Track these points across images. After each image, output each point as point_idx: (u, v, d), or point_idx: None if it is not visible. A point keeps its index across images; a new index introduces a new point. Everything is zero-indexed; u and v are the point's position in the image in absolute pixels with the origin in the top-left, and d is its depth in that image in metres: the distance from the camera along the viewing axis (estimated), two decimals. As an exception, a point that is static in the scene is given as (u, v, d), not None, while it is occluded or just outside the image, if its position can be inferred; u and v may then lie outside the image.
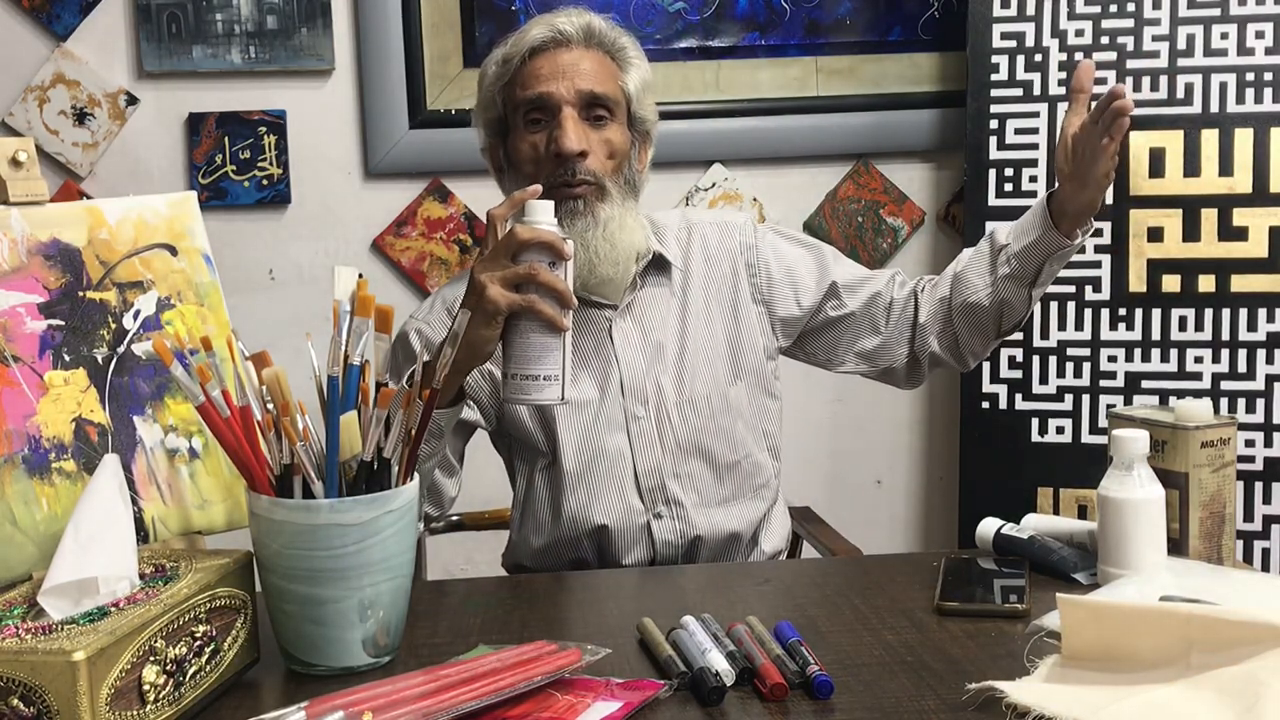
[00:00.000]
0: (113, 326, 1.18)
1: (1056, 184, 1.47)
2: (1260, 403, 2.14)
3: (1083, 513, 2.18)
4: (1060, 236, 1.46)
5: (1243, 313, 2.14)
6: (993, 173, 2.23)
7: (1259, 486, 2.15)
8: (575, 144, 1.46)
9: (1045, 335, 2.21)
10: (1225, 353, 2.15)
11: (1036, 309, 2.19)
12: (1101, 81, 2.17)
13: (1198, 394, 2.11)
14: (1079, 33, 2.19)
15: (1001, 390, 2.24)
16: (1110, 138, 1.37)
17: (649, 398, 1.54)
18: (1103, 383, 2.20)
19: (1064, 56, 2.20)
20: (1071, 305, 2.20)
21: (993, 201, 2.23)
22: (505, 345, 1.27)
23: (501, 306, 1.25)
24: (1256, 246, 2.13)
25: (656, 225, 1.61)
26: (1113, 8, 2.17)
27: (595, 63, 1.50)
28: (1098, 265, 2.18)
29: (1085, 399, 2.21)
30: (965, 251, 1.61)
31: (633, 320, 1.56)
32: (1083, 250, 2.15)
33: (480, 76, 1.56)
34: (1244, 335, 2.14)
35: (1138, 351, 2.18)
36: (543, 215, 1.27)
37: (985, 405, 2.24)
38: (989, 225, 2.22)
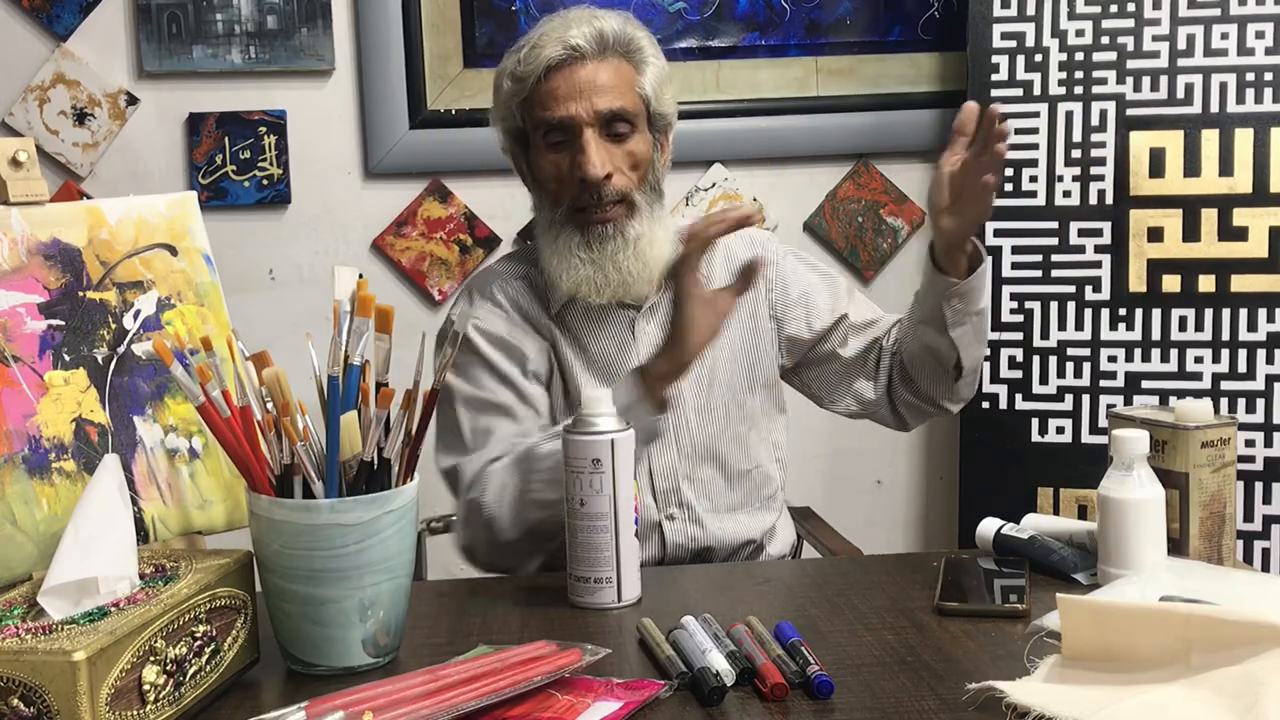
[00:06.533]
0: (113, 326, 1.18)
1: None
2: (1260, 403, 2.14)
3: (1083, 513, 2.18)
4: (943, 276, 1.45)
5: (1243, 313, 2.14)
6: (993, 173, 2.23)
7: (1259, 486, 2.15)
8: (599, 170, 1.45)
9: (1045, 335, 2.21)
10: (1225, 353, 2.15)
11: (1036, 308, 2.20)
12: (1102, 82, 2.17)
13: (1198, 394, 2.11)
14: (1079, 33, 2.19)
15: (1001, 390, 2.24)
16: (991, 174, 1.35)
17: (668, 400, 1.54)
18: (1103, 383, 2.20)
19: (1064, 56, 2.20)
20: (1071, 305, 2.20)
21: (993, 202, 2.22)
22: (566, 545, 1.26)
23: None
24: (1256, 246, 2.13)
25: (682, 231, 1.61)
26: (1113, 8, 2.17)
27: (611, 73, 1.47)
28: (1098, 265, 2.18)
29: (1085, 399, 2.20)
30: None
31: (656, 322, 1.56)
32: (1082, 250, 2.17)
33: (495, 86, 1.54)
34: (1244, 335, 2.14)
35: (1138, 351, 2.18)
36: (598, 408, 1.24)
37: (985, 405, 2.24)
38: (988, 226, 2.24)
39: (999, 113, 1.33)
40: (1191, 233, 2.15)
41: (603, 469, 1.23)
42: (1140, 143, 2.16)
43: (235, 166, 2.30)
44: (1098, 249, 2.18)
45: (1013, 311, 2.22)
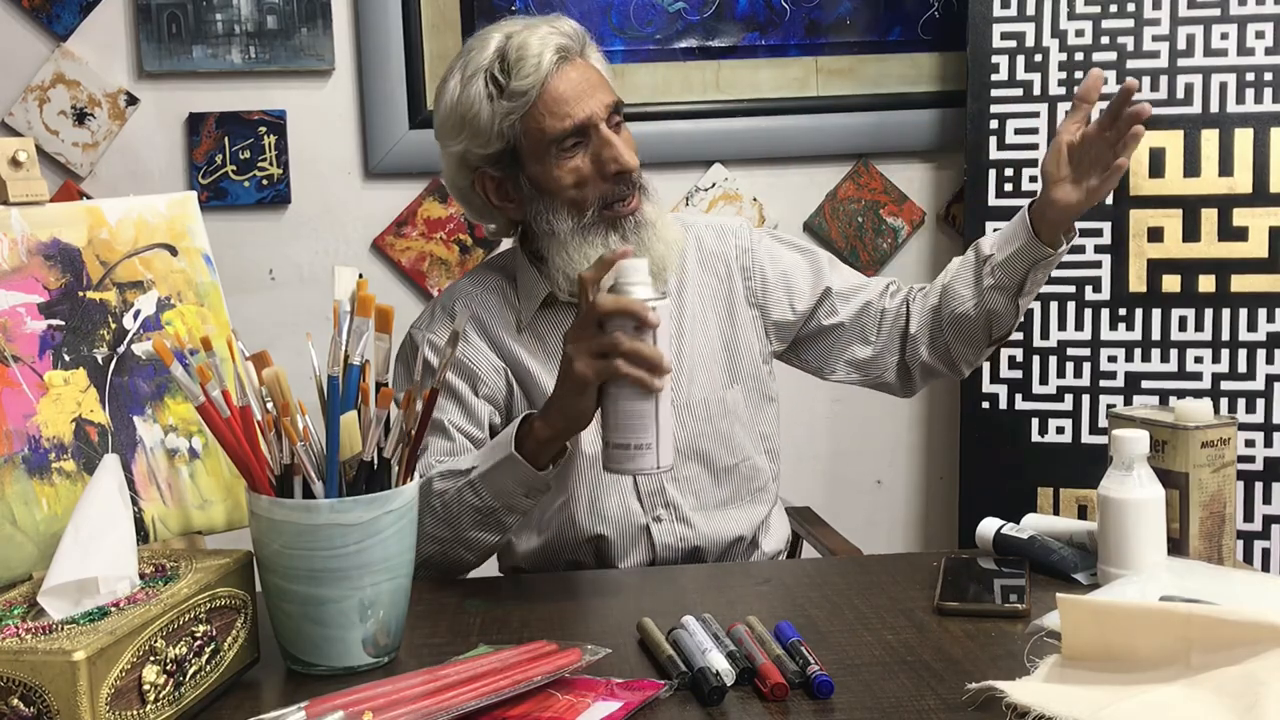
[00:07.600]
0: (113, 326, 1.18)
1: (1039, 188, 1.44)
2: (1260, 403, 2.14)
3: (1083, 513, 2.18)
4: (1042, 245, 1.44)
5: (1243, 313, 2.14)
6: (993, 173, 2.23)
7: (1259, 486, 2.15)
8: (634, 158, 1.44)
9: (1045, 335, 2.21)
10: (1225, 353, 2.15)
11: (1036, 308, 2.20)
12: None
13: (1198, 394, 2.11)
14: (1079, 33, 2.19)
15: (1001, 390, 2.24)
16: (1124, 154, 1.34)
17: None
18: (1103, 383, 2.20)
19: (1064, 56, 2.20)
20: (1071, 305, 2.20)
21: (993, 201, 2.23)
22: (602, 412, 1.24)
23: (589, 378, 1.23)
24: (1256, 246, 2.13)
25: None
26: (1113, 8, 2.17)
27: (593, 69, 1.47)
28: (1098, 265, 2.18)
29: (1085, 399, 2.20)
30: (954, 260, 1.59)
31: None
32: (1082, 250, 2.17)
33: (465, 115, 1.45)
34: (1244, 335, 2.14)
35: (1138, 351, 2.18)
36: (633, 276, 1.22)
37: (985, 405, 2.24)
38: (988, 225, 2.24)
39: (1135, 87, 1.32)
40: (1191, 233, 2.15)
41: (644, 334, 1.20)
42: (1140, 143, 2.16)
43: (235, 166, 2.30)
44: (1098, 249, 2.18)
45: (1013, 311, 2.22)
